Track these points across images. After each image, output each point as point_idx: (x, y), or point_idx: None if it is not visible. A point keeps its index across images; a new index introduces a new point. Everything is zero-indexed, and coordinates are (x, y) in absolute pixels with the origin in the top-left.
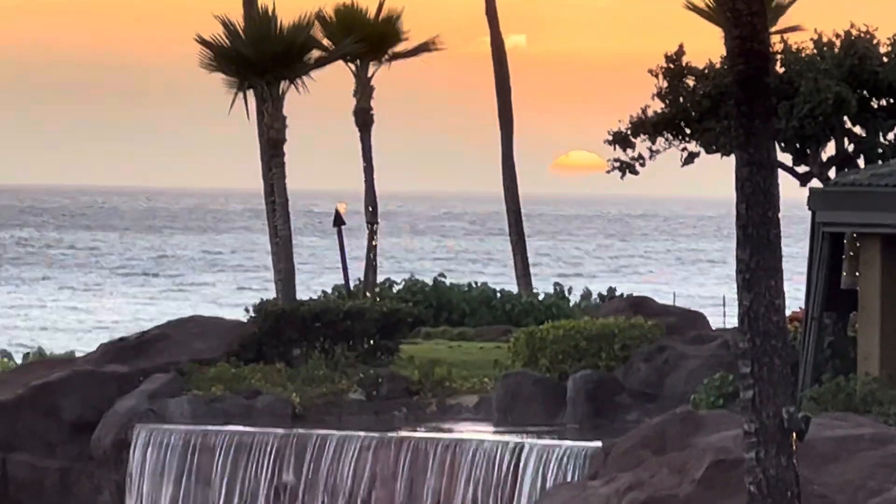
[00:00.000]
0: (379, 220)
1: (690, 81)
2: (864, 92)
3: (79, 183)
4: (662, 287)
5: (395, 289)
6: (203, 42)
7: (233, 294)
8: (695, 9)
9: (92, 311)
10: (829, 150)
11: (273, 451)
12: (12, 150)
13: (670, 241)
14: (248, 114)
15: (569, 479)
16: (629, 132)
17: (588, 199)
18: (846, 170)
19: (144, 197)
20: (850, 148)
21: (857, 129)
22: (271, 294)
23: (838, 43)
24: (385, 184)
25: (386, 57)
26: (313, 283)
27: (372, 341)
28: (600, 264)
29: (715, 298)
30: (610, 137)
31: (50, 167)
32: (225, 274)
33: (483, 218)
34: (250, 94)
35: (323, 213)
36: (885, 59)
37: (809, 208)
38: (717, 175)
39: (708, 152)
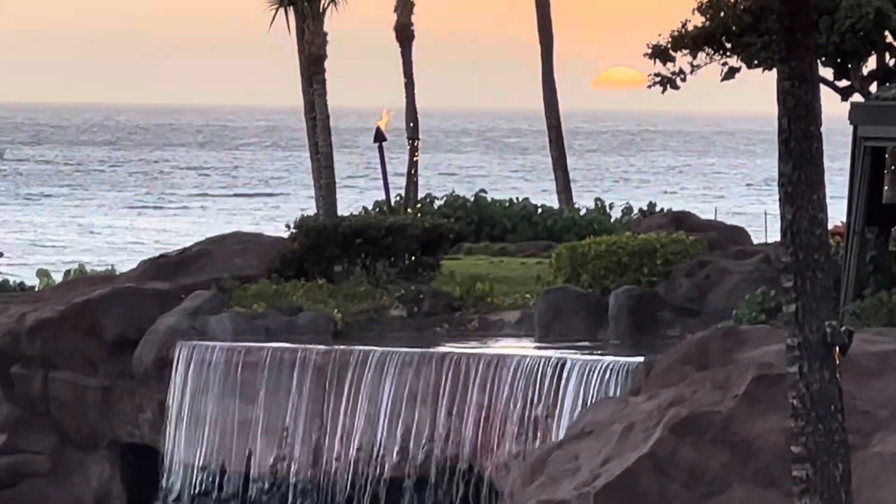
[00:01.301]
0: (420, 136)
1: None
2: None
3: (111, 101)
4: (703, 203)
5: (436, 204)
6: None
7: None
8: None
9: (133, 229)
10: (870, 64)
11: (315, 368)
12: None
13: (712, 156)
14: (288, 28)
15: (610, 394)
16: (669, 46)
17: (629, 115)
18: (887, 84)
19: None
20: (892, 62)
21: None
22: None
23: None
24: (425, 100)
25: None
26: (354, 201)
27: (413, 257)
28: (641, 180)
29: (756, 214)
30: (649, 51)
31: (80, 88)
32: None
33: (524, 134)
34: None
35: (361, 129)
36: None
37: (851, 122)
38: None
39: (749, 67)
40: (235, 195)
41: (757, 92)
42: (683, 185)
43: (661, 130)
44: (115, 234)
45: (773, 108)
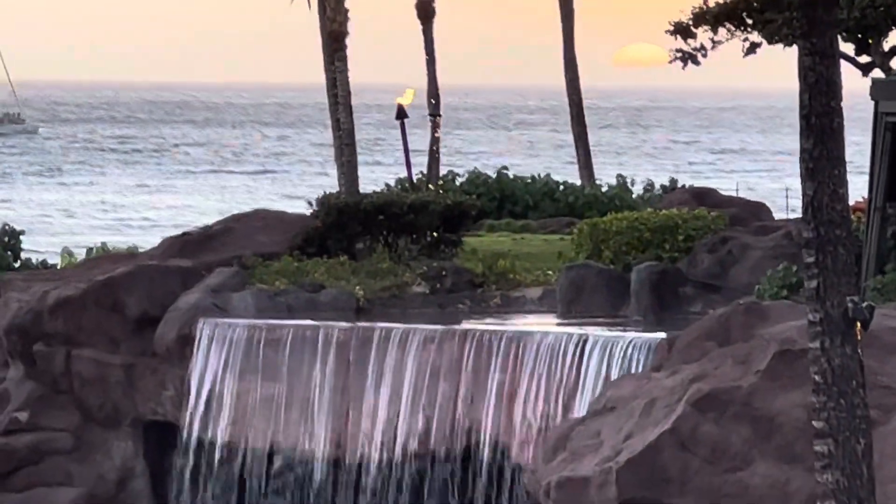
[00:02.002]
0: (441, 113)
1: None
2: None
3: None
4: (725, 178)
5: (458, 181)
6: None
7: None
8: None
9: (153, 205)
10: (892, 39)
11: (337, 345)
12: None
13: (735, 132)
14: (308, 5)
15: (633, 370)
16: (690, 22)
17: (650, 91)
18: None
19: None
20: None
21: None
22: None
23: None
24: (446, 76)
25: None
26: (375, 177)
27: (435, 234)
28: (661, 155)
29: (776, 189)
30: (671, 27)
31: (94, 63)
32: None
33: (545, 110)
34: None
35: (384, 106)
36: None
37: (871, 98)
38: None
39: (770, 43)
40: (227, 172)
41: (775, 67)
42: (703, 161)
43: (669, 107)
44: (123, 211)
45: (793, 84)
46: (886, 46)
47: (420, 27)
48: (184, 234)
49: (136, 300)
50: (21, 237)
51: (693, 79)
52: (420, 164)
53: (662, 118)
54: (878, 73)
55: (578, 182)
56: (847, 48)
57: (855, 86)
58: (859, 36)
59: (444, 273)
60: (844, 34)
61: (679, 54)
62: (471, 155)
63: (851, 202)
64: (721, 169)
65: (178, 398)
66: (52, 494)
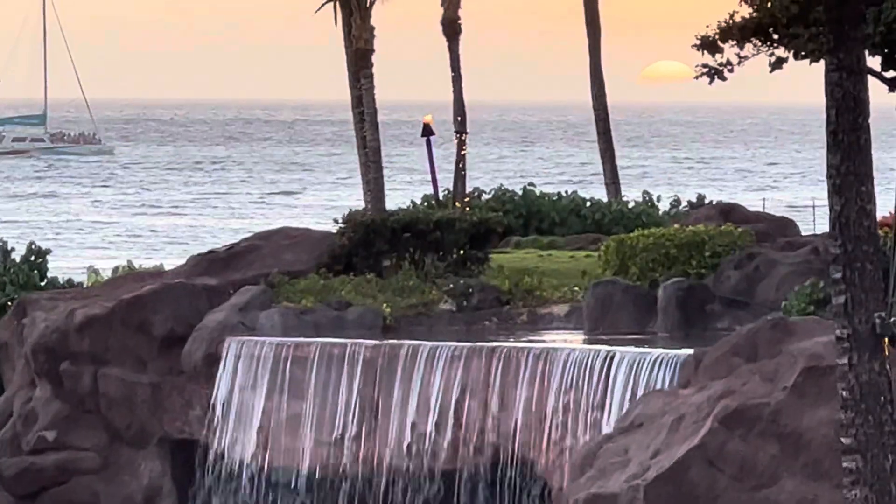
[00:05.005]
0: (468, 130)
1: None
2: None
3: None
4: (752, 194)
5: (485, 198)
6: None
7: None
8: None
9: (174, 226)
10: None
11: (364, 362)
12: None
13: (764, 147)
14: (335, 20)
15: (660, 387)
16: (717, 37)
17: (677, 108)
18: None
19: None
20: None
21: None
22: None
23: None
24: (473, 93)
25: None
26: (403, 195)
27: (462, 251)
28: (689, 172)
29: (804, 205)
30: (698, 42)
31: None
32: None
33: (573, 127)
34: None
35: (411, 122)
36: None
37: None
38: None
39: (796, 58)
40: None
41: (802, 83)
42: (727, 176)
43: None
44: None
45: (820, 99)
46: None
47: (446, 44)
48: (210, 252)
49: (162, 319)
50: (48, 256)
51: (718, 94)
52: (446, 181)
53: (690, 133)
54: None
55: (605, 198)
56: (873, 62)
57: (881, 101)
58: (885, 50)
59: (470, 290)
60: (870, 49)
61: (705, 69)
62: (497, 172)
63: (879, 217)
64: (749, 185)
65: (205, 417)
66: None
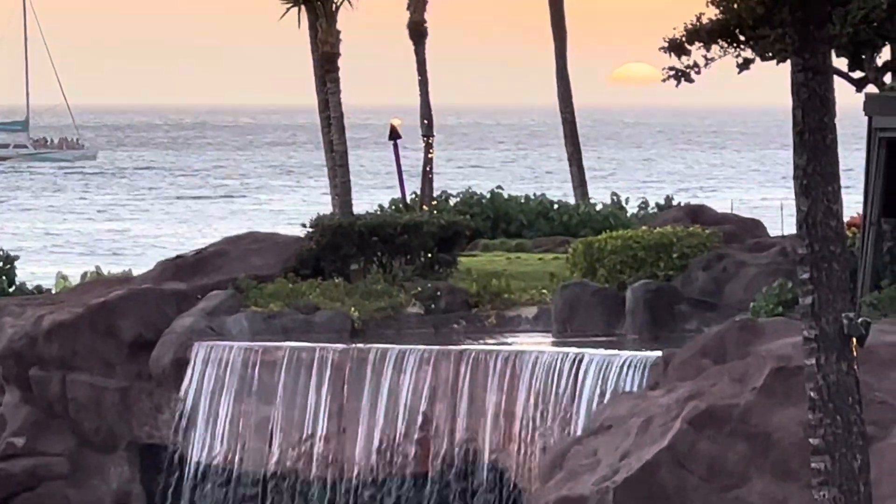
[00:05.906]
0: (434, 133)
1: None
2: None
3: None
4: (719, 195)
5: (452, 201)
6: None
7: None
8: None
9: (144, 232)
10: (885, 55)
11: (332, 366)
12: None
13: (729, 150)
14: (298, 23)
15: (629, 389)
16: (684, 39)
17: (644, 110)
18: None
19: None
20: None
21: None
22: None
23: None
24: (439, 97)
25: None
26: (369, 198)
27: (430, 255)
28: (655, 173)
29: (772, 205)
30: (665, 45)
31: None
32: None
33: (540, 129)
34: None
35: (377, 126)
36: None
37: (865, 114)
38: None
39: (762, 59)
40: (200, 198)
41: (768, 84)
42: (695, 178)
43: (682, 123)
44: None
45: (786, 100)
46: (880, 62)
47: (412, 47)
48: (177, 257)
49: (130, 324)
50: (16, 262)
51: (684, 95)
52: (413, 185)
53: (655, 135)
54: (871, 88)
55: (573, 201)
56: (840, 63)
57: (848, 101)
58: (852, 51)
59: (438, 293)
60: (837, 49)
61: (672, 72)
62: (464, 175)
63: (846, 218)
64: (715, 187)
65: (174, 421)
66: None
